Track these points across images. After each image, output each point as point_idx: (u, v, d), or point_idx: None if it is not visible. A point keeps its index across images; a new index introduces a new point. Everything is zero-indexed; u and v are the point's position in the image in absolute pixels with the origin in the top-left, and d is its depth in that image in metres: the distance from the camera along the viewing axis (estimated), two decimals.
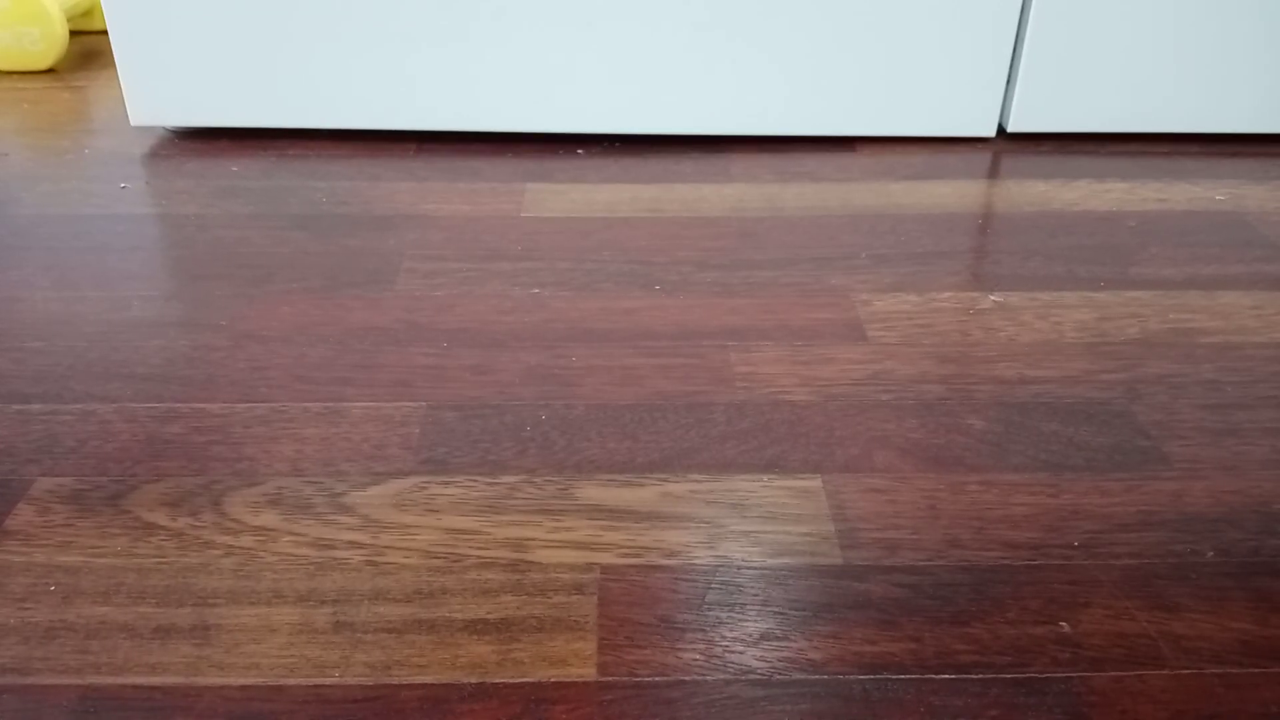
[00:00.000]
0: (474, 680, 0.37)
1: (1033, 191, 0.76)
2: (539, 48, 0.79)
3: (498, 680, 0.37)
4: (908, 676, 0.37)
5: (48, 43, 0.97)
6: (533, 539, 0.43)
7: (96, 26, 1.08)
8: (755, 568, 0.42)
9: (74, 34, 1.02)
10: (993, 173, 0.79)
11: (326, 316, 0.59)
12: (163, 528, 0.43)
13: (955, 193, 0.76)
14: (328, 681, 0.37)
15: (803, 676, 0.37)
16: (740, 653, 0.38)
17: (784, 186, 0.76)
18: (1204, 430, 0.50)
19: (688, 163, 0.80)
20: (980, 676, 0.37)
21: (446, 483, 0.46)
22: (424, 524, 0.44)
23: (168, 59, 0.79)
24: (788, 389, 0.53)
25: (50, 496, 0.45)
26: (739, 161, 0.80)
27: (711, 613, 0.40)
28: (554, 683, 0.37)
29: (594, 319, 0.59)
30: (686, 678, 0.37)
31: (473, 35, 0.78)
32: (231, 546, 0.42)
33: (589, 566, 0.42)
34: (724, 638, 0.38)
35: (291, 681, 0.37)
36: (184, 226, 0.70)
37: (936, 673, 0.37)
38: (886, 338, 0.57)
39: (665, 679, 0.37)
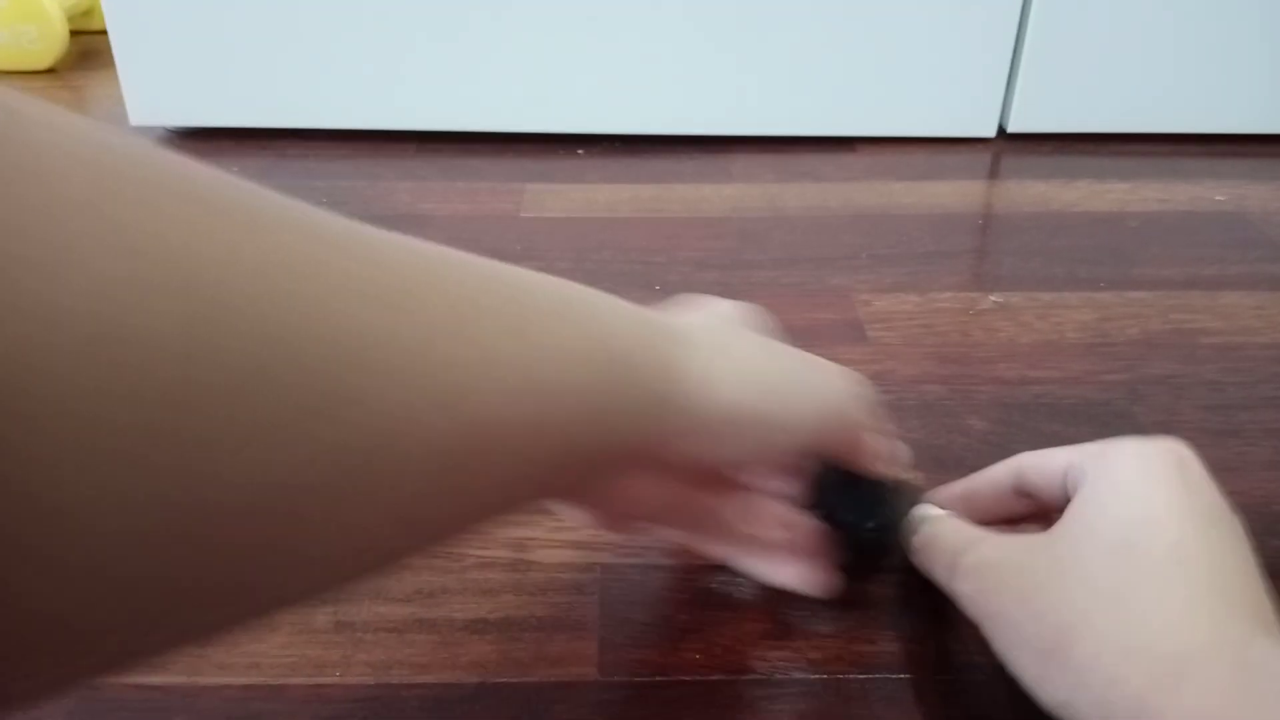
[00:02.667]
0: (475, 680, 0.37)
1: (1033, 191, 0.76)
2: (539, 47, 0.79)
3: (498, 680, 0.37)
4: (908, 676, 0.37)
5: (47, 42, 0.97)
6: (533, 539, 0.43)
7: (96, 26, 1.07)
8: None
9: (74, 34, 1.02)
10: (993, 173, 0.79)
11: None
12: None
13: (955, 193, 0.75)
14: (328, 681, 0.37)
15: (803, 676, 0.37)
16: (740, 653, 0.38)
17: (784, 186, 0.76)
18: (1206, 431, 0.50)
19: (688, 163, 0.80)
20: (980, 677, 0.37)
21: None
22: None
23: (168, 59, 0.79)
24: None
25: None
26: (739, 161, 0.80)
27: (711, 613, 0.40)
28: (554, 683, 0.37)
29: None
30: (686, 678, 0.37)
31: (472, 35, 0.78)
32: None
33: (589, 566, 0.41)
34: (724, 637, 0.38)
35: (292, 681, 0.37)
36: None
37: (936, 673, 0.37)
38: (887, 338, 0.57)
39: (665, 679, 0.37)
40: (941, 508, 0.38)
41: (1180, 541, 0.29)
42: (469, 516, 0.26)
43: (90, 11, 1.08)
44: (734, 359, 0.32)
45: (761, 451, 0.34)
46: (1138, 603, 0.28)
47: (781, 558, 0.38)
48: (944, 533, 0.36)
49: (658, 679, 0.37)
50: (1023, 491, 0.36)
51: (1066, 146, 0.83)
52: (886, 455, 0.39)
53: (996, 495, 0.38)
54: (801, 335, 0.58)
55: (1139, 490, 0.31)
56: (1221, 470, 0.48)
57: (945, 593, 0.36)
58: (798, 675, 0.37)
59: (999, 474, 0.38)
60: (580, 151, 0.82)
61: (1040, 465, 0.35)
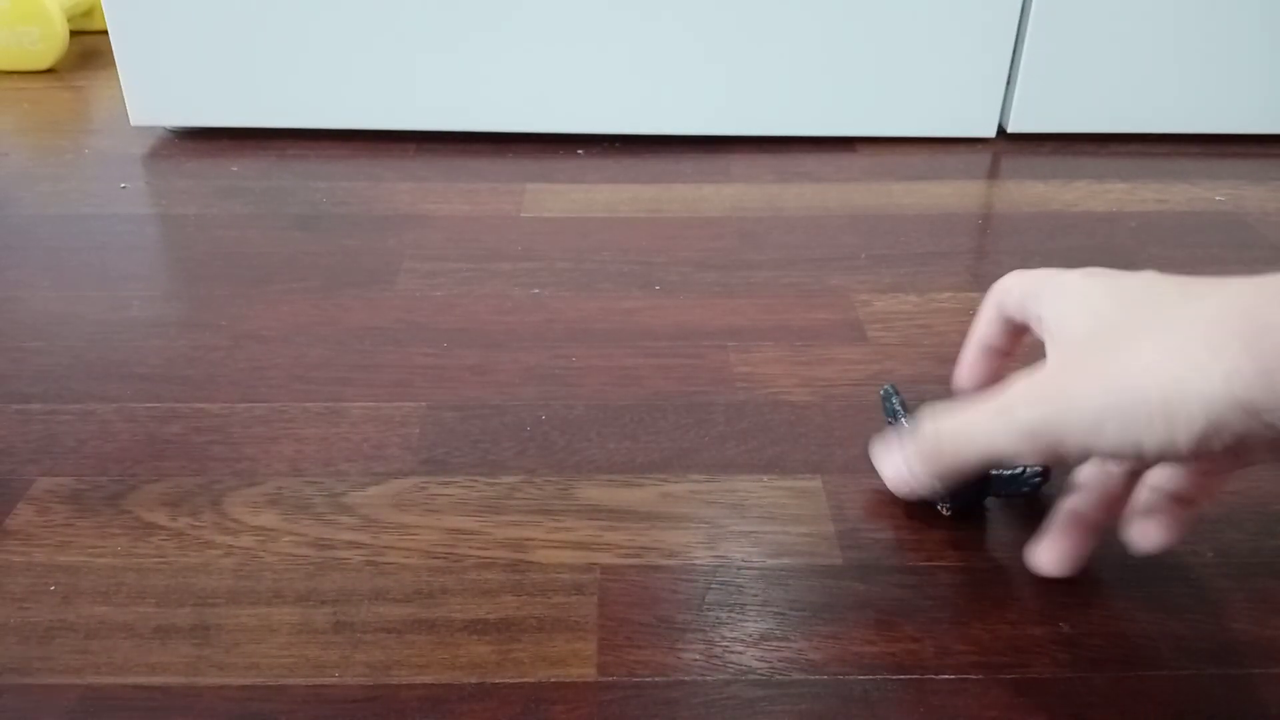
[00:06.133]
0: (474, 680, 0.37)
1: (1032, 192, 0.76)
2: (539, 47, 0.79)
3: (497, 680, 0.37)
4: (908, 677, 0.37)
5: (48, 42, 0.97)
6: (533, 539, 0.43)
7: (96, 26, 1.08)
8: (755, 568, 0.42)
9: (74, 34, 1.02)
10: (992, 173, 0.79)
11: (326, 316, 0.59)
12: (163, 528, 0.43)
13: (955, 193, 0.76)
14: (328, 681, 0.37)
15: (803, 677, 0.37)
16: (740, 653, 0.38)
17: (784, 186, 0.76)
18: None
19: (688, 163, 0.80)
20: (980, 677, 0.37)
21: (446, 483, 0.46)
22: (424, 524, 0.44)
23: (168, 59, 0.79)
24: (787, 389, 0.53)
25: (50, 496, 0.45)
26: (739, 161, 0.80)
27: (711, 613, 0.40)
28: (554, 683, 0.37)
29: (594, 319, 0.59)
30: (686, 678, 0.37)
31: (473, 35, 0.79)
32: (231, 546, 0.42)
33: (589, 566, 0.42)
34: (724, 638, 0.39)
35: (291, 681, 0.37)
36: (184, 226, 0.70)
37: (936, 673, 0.37)
38: (886, 338, 0.57)
39: (665, 679, 0.37)
40: (969, 379, 0.44)
41: (1148, 279, 0.37)
42: None
43: (91, 11, 1.08)
44: None
45: None
46: (1173, 309, 0.34)
47: None
48: (968, 417, 0.37)
49: (657, 679, 0.37)
50: (1003, 316, 0.42)
51: (1066, 147, 0.83)
52: None
53: (1002, 329, 0.42)
54: (801, 335, 0.58)
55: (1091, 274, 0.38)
56: None
57: (984, 459, 0.37)
58: (798, 675, 0.37)
59: (987, 314, 0.43)
60: (580, 151, 0.82)
61: (1002, 305, 0.41)
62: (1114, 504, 0.40)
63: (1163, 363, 0.31)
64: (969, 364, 0.44)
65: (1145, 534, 0.39)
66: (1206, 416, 0.30)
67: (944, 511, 0.43)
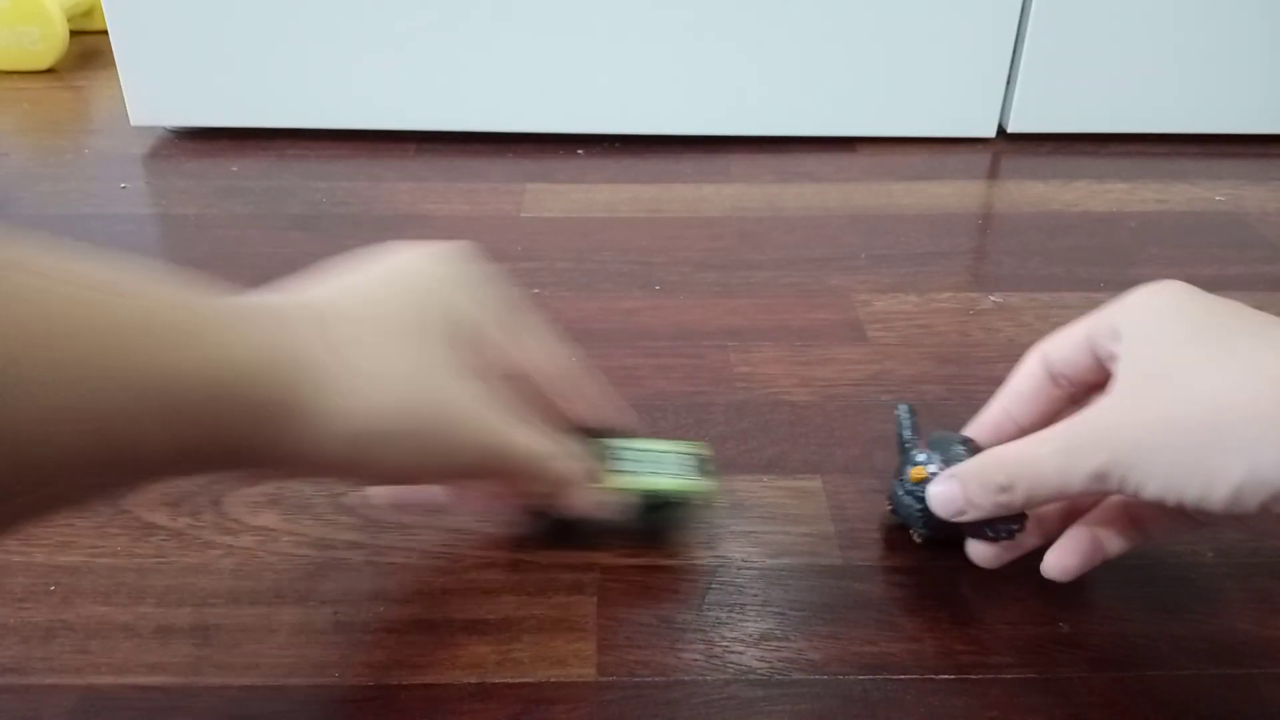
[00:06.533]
0: (474, 680, 0.37)
1: (1032, 192, 0.76)
2: (539, 48, 0.79)
3: (497, 680, 0.37)
4: (908, 677, 0.37)
5: (48, 42, 0.97)
6: (532, 539, 0.43)
7: (96, 26, 1.08)
8: (755, 568, 0.42)
9: (74, 34, 1.02)
10: (992, 173, 0.79)
11: None
12: (163, 528, 0.43)
13: (955, 193, 0.76)
14: (328, 681, 0.37)
15: (803, 676, 0.37)
16: (740, 653, 0.38)
17: (784, 186, 0.76)
18: None
19: (688, 163, 0.80)
20: (980, 677, 0.37)
21: None
22: (424, 524, 0.44)
23: (168, 59, 0.79)
24: (787, 389, 0.53)
25: None
26: (739, 161, 0.80)
27: (711, 613, 0.40)
28: (554, 683, 0.37)
29: (594, 319, 0.59)
30: (686, 678, 0.37)
31: (473, 35, 0.79)
32: (231, 546, 0.42)
33: (589, 566, 0.42)
34: (724, 638, 0.38)
35: (291, 681, 0.37)
36: (184, 227, 0.70)
37: (936, 673, 0.37)
38: (886, 338, 0.57)
39: (665, 679, 0.37)
40: (983, 436, 0.41)
41: (1236, 309, 0.35)
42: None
43: (91, 11, 1.08)
44: (371, 382, 0.32)
45: (406, 479, 0.38)
46: (1243, 349, 0.32)
47: None
48: (1020, 454, 0.36)
49: (657, 679, 0.37)
50: (1054, 374, 0.39)
51: (1065, 147, 0.83)
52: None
53: (1035, 391, 0.40)
54: (801, 335, 0.58)
55: (1170, 290, 0.37)
56: None
57: (1054, 499, 0.36)
58: (798, 675, 0.37)
59: (1028, 368, 0.40)
60: (580, 151, 0.82)
61: (1062, 343, 0.39)
62: (1076, 515, 0.39)
63: (1217, 404, 0.31)
64: (986, 422, 0.42)
65: (1059, 564, 0.38)
66: (1250, 468, 0.30)
67: (915, 538, 0.42)
